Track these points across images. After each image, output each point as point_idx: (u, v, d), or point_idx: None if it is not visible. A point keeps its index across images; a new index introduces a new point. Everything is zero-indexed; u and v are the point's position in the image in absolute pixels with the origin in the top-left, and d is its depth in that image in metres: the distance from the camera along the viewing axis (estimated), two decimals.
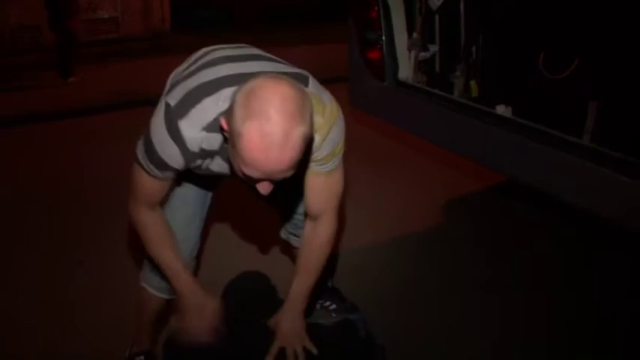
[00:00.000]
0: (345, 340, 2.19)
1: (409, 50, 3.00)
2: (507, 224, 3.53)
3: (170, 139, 1.53)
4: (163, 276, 1.97)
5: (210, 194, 2.10)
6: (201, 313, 1.81)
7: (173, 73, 1.94)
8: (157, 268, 2.00)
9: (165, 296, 2.13)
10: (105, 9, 9.49)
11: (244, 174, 1.39)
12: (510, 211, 3.67)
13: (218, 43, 1.84)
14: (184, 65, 1.81)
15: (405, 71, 3.00)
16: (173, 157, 1.56)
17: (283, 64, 1.70)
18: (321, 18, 10.36)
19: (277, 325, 1.87)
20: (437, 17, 2.97)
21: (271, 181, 1.41)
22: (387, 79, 3.00)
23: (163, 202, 1.81)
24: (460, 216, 3.66)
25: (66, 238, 3.35)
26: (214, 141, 1.55)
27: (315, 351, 1.87)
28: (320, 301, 2.64)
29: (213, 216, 2.18)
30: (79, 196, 3.89)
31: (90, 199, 3.85)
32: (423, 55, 2.99)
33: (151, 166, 1.62)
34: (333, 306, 2.62)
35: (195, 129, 1.52)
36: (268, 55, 1.76)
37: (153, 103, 1.95)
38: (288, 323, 1.87)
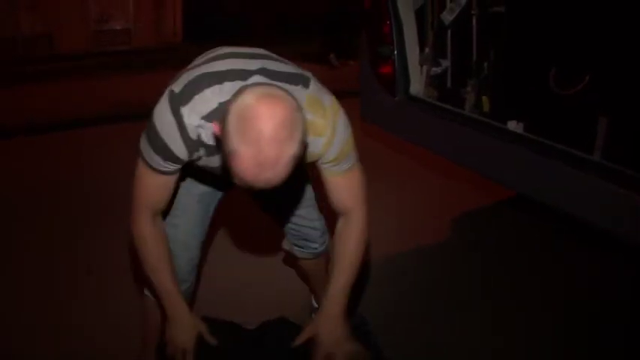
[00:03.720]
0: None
1: (421, 65, 3.00)
2: (513, 236, 3.55)
3: (173, 123, 1.56)
4: None
5: (212, 206, 2.11)
6: (185, 332, 1.86)
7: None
8: None
9: None
10: (117, 20, 9.53)
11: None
12: (517, 223, 3.68)
13: None
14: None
15: (417, 86, 3.00)
16: (176, 142, 1.58)
17: (287, 64, 1.72)
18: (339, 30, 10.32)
19: (317, 331, 1.86)
20: (449, 32, 2.97)
21: None
22: (399, 94, 3.00)
23: (165, 211, 1.82)
24: (466, 228, 3.68)
25: (72, 244, 3.37)
26: (211, 134, 1.57)
27: (362, 352, 1.86)
28: None
29: (215, 227, 2.19)
30: (82, 204, 3.91)
31: (94, 208, 3.86)
32: (434, 70, 2.99)
33: (154, 156, 1.62)
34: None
35: (195, 116, 1.55)
36: (274, 55, 1.78)
37: None
38: (329, 327, 1.85)
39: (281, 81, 1.57)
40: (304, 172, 2.06)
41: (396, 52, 2.97)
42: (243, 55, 1.69)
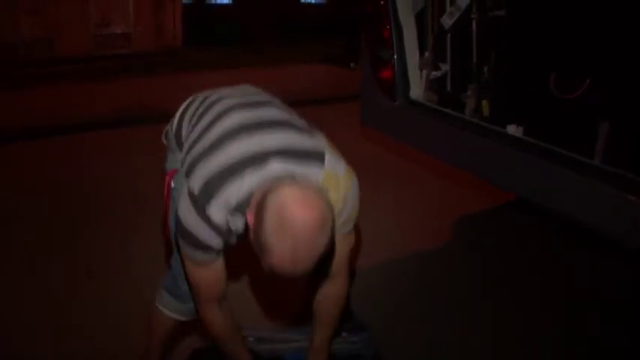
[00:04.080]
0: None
1: (421, 69, 3.01)
2: (512, 236, 3.58)
3: (202, 223, 1.59)
4: (179, 298, 2.07)
5: None
6: None
7: (186, 107, 1.97)
8: (172, 291, 2.08)
9: (180, 318, 2.14)
10: (117, 24, 9.55)
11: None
12: (516, 223, 3.72)
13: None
14: (199, 121, 1.81)
15: (417, 90, 3.00)
16: (210, 237, 1.62)
17: (300, 130, 1.72)
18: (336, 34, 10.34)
19: None
20: (449, 36, 2.97)
21: None
22: (399, 98, 3.00)
23: (224, 294, 1.84)
24: (466, 229, 3.71)
25: (72, 244, 3.38)
26: (239, 223, 1.62)
27: None
28: None
29: None
30: (82, 204, 3.91)
31: (94, 208, 3.86)
32: (434, 74, 3.00)
33: (195, 252, 1.67)
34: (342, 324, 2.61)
35: (222, 211, 1.58)
36: (282, 111, 1.79)
37: (164, 119, 2.01)
38: None
39: (298, 160, 1.60)
40: None
41: (395, 56, 2.98)
42: (255, 126, 1.68)
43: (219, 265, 1.74)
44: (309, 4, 12.43)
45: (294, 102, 2.14)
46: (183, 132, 1.90)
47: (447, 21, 2.87)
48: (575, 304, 2.87)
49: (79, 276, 3.03)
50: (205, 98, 1.91)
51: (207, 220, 1.58)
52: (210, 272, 1.74)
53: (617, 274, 3.10)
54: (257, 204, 1.46)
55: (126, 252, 3.20)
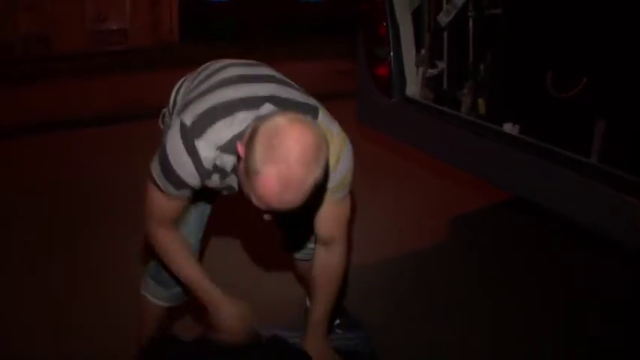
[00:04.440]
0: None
1: (417, 67, 3.01)
2: (510, 236, 3.58)
3: (187, 157, 1.57)
4: (163, 284, 2.07)
5: (209, 206, 2.11)
6: (233, 318, 1.82)
7: (181, 84, 2.00)
8: (157, 278, 2.08)
9: (165, 304, 2.15)
10: (114, 20, 9.52)
11: (253, 203, 1.45)
12: (513, 223, 3.71)
13: (227, 57, 1.89)
14: (195, 79, 1.85)
15: (413, 88, 3.01)
16: (189, 173, 1.60)
17: (295, 89, 1.75)
18: (335, 32, 10.30)
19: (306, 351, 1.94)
20: (445, 34, 2.98)
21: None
22: (395, 96, 3.01)
23: (178, 222, 1.83)
24: (463, 228, 3.71)
25: (72, 244, 3.38)
26: (227, 161, 1.60)
27: None
28: None
29: (210, 230, 2.19)
30: (82, 204, 3.91)
31: (94, 208, 3.86)
32: (430, 71, 3.00)
33: (167, 185, 1.65)
34: (337, 321, 2.62)
35: (210, 148, 1.57)
36: (280, 76, 1.81)
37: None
38: (316, 348, 1.94)
39: (292, 110, 1.58)
40: None
41: (392, 54, 2.98)
42: (252, 78, 1.71)
43: (184, 200, 1.74)
44: (307, 1, 12.38)
45: None
46: (179, 101, 1.92)
47: (444, 19, 2.88)
48: (574, 304, 2.87)
49: (79, 276, 3.03)
50: (199, 69, 1.94)
51: (194, 154, 1.57)
52: (171, 204, 1.73)
53: (616, 274, 3.11)
54: (249, 134, 1.43)
55: (126, 252, 3.20)
